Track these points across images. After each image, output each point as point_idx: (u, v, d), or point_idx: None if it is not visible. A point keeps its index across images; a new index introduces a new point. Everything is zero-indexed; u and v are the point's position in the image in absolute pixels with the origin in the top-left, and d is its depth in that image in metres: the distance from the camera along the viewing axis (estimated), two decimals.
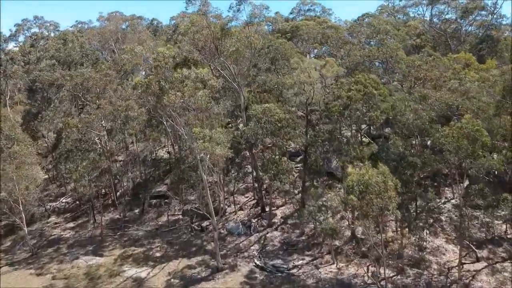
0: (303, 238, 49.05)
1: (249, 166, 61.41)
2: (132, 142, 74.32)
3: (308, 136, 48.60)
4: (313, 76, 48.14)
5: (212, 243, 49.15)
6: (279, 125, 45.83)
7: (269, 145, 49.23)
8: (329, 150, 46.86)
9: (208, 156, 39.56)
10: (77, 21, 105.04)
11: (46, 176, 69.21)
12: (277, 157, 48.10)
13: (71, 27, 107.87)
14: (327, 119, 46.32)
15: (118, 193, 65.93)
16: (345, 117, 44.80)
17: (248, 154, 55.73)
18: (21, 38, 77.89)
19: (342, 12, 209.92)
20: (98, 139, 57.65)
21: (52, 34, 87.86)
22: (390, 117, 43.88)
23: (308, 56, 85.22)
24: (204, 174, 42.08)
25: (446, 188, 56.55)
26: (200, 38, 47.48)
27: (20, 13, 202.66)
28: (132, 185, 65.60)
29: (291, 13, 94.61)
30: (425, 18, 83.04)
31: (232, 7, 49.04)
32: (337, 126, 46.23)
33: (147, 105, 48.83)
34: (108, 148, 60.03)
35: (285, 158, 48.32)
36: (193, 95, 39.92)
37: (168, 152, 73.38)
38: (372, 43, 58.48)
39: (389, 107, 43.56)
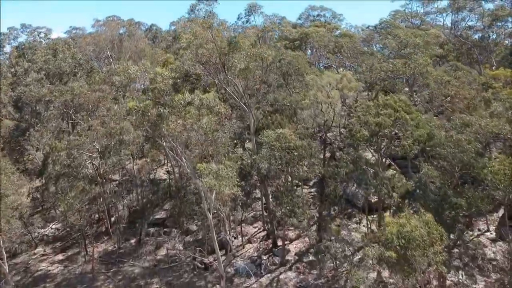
0: (322, 281, 42.97)
1: (257, 191, 55.36)
2: (130, 159, 68.33)
3: (327, 165, 42.53)
4: (333, 96, 42.10)
5: (217, 285, 43.19)
6: (295, 154, 39.79)
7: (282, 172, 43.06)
8: (352, 180, 40.76)
9: (214, 194, 33.64)
10: (71, 26, 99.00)
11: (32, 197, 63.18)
12: (291, 187, 42.14)
13: (65, 32, 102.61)
14: (350, 148, 40.13)
15: (112, 218, 59.93)
16: (372, 144, 38.82)
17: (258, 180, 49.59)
18: (8, 49, 71.96)
19: (350, 16, 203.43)
20: (89, 162, 51.59)
21: (44, 42, 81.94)
22: (427, 148, 37.81)
23: (316, 65, 79.42)
24: (210, 212, 36.10)
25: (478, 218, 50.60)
26: (204, 53, 41.47)
27: (20, 14, 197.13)
28: (127, 212, 59.55)
29: (299, 19, 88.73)
30: (444, 24, 77.01)
31: (241, 18, 42.97)
32: (362, 154, 40.13)
33: (143, 129, 42.74)
34: (101, 171, 53.97)
35: (301, 189, 42.30)
36: (196, 122, 33.90)
37: (168, 172, 67.40)
38: (386, 51, 52.29)
39: (424, 135, 37.52)
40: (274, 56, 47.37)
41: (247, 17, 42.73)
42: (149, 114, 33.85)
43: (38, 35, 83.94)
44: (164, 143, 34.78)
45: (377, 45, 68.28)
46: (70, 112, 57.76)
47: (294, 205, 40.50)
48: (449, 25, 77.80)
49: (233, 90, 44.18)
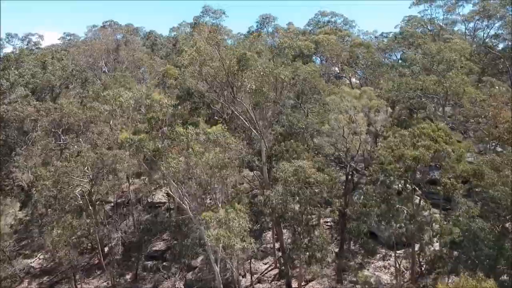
0: None
1: (267, 218, 49.58)
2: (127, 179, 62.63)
3: (351, 200, 36.83)
4: (358, 121, 36.40)
5: None
6: (316, 190, 34.10)
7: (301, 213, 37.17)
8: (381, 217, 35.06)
9: (222, 246, 27.97)
10: (65, 33, 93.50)
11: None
12: (310, 226, 36.48)
13: (59, 39, 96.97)
14: (381, 183, 34.32)
15: (106, 248, 54.20)
16: (407, 180, 33.16)
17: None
18: None
19: (361, 21, 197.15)
20: (79, 190, 45.88)
21: (35, 50, 76.27)
22: (475, 189, 32.06)
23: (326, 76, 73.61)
24: (217, 265, 30.44)
25: None
26: (209, 72, 35.78)
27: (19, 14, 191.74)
28: (122, 242, 53.79)
29: (308, 25, 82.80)
30: (466, 32, 71.30)
31: (252, 31, 37.14)
32: (394, 191, 34.39)
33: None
34: (93, 199, 48.23)
35: (321, 228, 36.63)
36: (201, 158, 28.22)
37: (167, 194, 61.69)
38: (415, 67, 46.42)
39: (469, 170, 31.80)
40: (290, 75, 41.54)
41: (258, 30, 36.91)
42: (145, 149, 28.08)
43: (27, 44, 78.31)
44: (162, 182, 28.99)
45: (396, 55, 62.55)
46: (59, 132, 52.03)
47: (314, 249, 34.80)
48: (466, 32, 72.43)
49: (242, 111, 38.43)
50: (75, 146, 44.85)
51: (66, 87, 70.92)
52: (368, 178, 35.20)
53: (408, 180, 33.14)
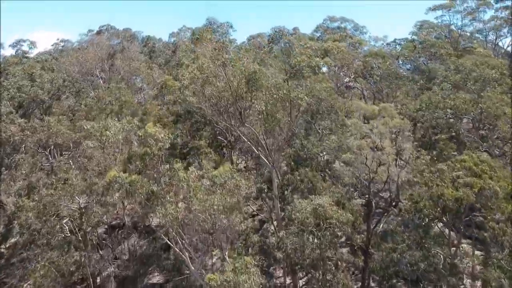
0: None
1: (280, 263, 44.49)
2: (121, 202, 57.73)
3: (377, 242, 31.95)
4: (386, 148, 31.53)
5: None
6: (338, 233, 29.28)
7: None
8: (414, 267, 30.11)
9: None
10: (58, 39, 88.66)
11: None
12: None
13: (52, 45, 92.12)
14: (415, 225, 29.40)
15: (98, 279, 49.30)
16: (446, 223, 28.30)
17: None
18: None
19: (370, 26, 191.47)
20: (68, 219, 41.02)
21: (25, 59, 71.42)
22: None
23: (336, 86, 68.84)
24: None
25: None
26: (213, 93, 30.96)
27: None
28: (117, 272, 48.84)
29: (316, 31, 77.95)
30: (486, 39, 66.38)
31: (263, 47, 32.28)
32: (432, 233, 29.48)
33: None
34: (83, 226, 43.34)
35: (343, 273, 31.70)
36: (205, 203, 23.36)
37: None
38: (445, 84, 41.50)
39: None
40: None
41: (271, 45, 32.16)
42: (137, 194, 23.23)
43: (17, 52, 73.50)
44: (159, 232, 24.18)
45: (414, 65, 57.55)
46: (46, 153, 47.23)
47: None
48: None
49: (249, 132, 33.56)
50: (63, 170, 39.92)
51: (57, 98, 66.09)
52: (399, 218, 30.29)
53: (448, 223, 28.26)
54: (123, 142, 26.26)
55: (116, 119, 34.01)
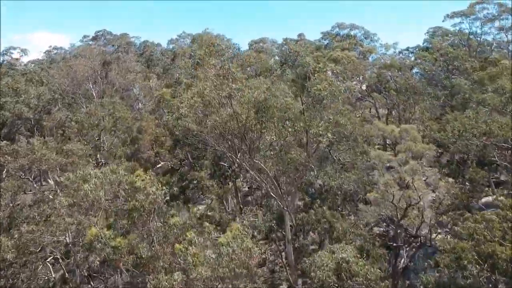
0: None
1: None
2: None
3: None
4: (419, 189, 26.94)
5: None
6: None
7: None
8: None
9: None
10: (51, 46, 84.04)
11: None
12: None
13: (45, 52, 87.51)
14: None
15: None
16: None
17: None
18: None
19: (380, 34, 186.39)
20: (52, 257, 36.40)
21: (12, 71, 66.85)
22: None
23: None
24: None
25: None
26: (216, 122, 26.40)
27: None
28: None
29: (323, 39, 73.35)
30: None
31: (275, 69, 27.59)
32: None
33: None
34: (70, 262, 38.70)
35: None
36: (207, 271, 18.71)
37: None
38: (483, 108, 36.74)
39: None
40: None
41: (284, 66, 27.43)
42: (123, 260, 18.62)
43: (3, 62, 68.86)
44: None
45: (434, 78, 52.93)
46: (31, 179, 42.67)
47: None
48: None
49: (260, 172, 28.91)
50: (47, 203, 35.27)
51: (47, 112, 61.59)
52: (437, 275, 25.67)
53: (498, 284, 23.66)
54: (106, 198, 21.70)
55: (93, 168, 28.66)
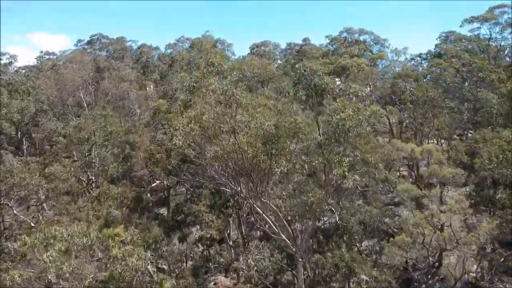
0: None
1: None
2: None
3: None
4: (457, 231, 22.59)
5: None
6: None
7: None
8: None
9: None
10: (42, 51, 79.54)
11: None
12: None
13: (36, 58, 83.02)
14: None
15: None
16: None
17: None
18: None
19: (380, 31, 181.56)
20: None
21: None
22: None
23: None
24: None
25: None
26: (217, 153, 22.09)
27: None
28: None
29: (331, 44, 69.06)
30: None
31: (287, 91, 22.91)
32: None
33: None
34: None
35: None
36: None
37: None
38: None
39: None
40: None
41: (297, 87, 23.36)
42: None
43: None
44: None
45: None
46: (10, 205, 38.25)
47: None
48: None
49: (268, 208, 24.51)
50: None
51: (35, 124, 57.42)
52: None
53: None
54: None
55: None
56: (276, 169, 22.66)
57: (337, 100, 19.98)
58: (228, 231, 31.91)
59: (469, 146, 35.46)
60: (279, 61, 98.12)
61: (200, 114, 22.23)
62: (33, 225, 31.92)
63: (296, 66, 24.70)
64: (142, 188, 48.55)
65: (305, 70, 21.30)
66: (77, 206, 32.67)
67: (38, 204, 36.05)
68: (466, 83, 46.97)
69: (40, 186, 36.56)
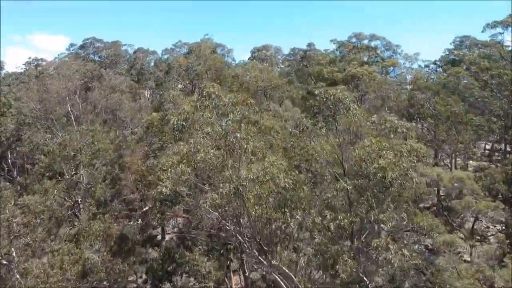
0: None
1: None
2: None
3: None
4: None
5: None
6: None
7: None
8: None
9: None
10: (30, 57, 74.60)
11: None
12: None
13: (24, 64, 78.24)
14: None
15: None
16: None
17: None
18: None
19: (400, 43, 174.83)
20: None
21: None
22: None
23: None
24: None
25: None
26: (213, 199, 17.30)
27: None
28: None
29: (338, 50, 64.31)
30: None
31: (304, 125, 18.27)
32: None
33: None
34: None
35: None
36: None
37: None
38: None
39: None
40: None
41: (316, 116, 18.87)
42: None
43: None
44: None
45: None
46: None
47: None
48: None
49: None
50: None
51: (17, 139, 52.97)
52: None
53: None
54: None
55: None
56: (292, 225, 17.89)
57: (371, 140, 15.27)
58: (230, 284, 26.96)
59: (507, 174, 30.72)
60: (281, 65, 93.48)
61: (193, 152, 17.48)
62: None
63: (316, 92, 19.95)
64: (133, 213, 43.97)
65: (326, 97, 16.62)
66: (50, 250, 27.80)
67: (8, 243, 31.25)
68: (494, 96, 42.04)
69: (14, 217, 31.90)
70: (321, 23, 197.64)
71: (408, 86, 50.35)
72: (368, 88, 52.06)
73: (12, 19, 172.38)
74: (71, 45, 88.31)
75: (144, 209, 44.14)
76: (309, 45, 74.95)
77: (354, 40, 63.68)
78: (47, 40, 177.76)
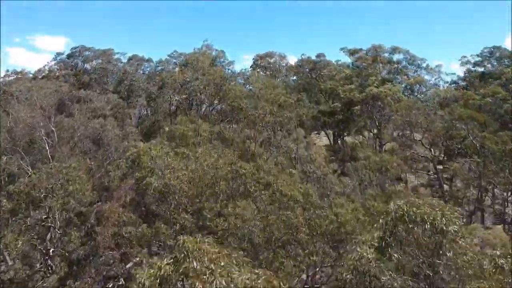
0: None
1: None
2: None
3: None
4: None
5: None
6: None
7: None
8: None
9: None
10: (8, 70, 67.18)
11: None
12: None
13: (3, 77, 70.63)
14: None
15: None
16: None
17: None
18: None
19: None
20: None
21: None
22: None
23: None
24: None
25: None
26: None
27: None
28: None
29: (355, 64, 56.50)
30: None
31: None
32: None
33: None
34: None
35: None
36: None
37: None
38: None
39: None
40: None
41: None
42: None
43: None
44: None
45: None
46: None
47: None
48: None
49: None
50: None
51: None
52: None
53: None
54: None
55: None
56: None
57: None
58: None
59: None
60: (285, 74, 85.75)
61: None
62: None
63: (391, 207, 12.27)
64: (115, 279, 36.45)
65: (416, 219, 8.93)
66: None
67: None
68: None
69: None
70: (331, 33, 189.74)
71: (439, 112, 42.74)
72: (394, 112, 44.46)
73: (12, 19, 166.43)
74: (58, 54, 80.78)
75: (128, 266, 36.72)
76: (319, 55, 67.35)
77: (373, 52, 55.39)
78: (47, 40, 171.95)
